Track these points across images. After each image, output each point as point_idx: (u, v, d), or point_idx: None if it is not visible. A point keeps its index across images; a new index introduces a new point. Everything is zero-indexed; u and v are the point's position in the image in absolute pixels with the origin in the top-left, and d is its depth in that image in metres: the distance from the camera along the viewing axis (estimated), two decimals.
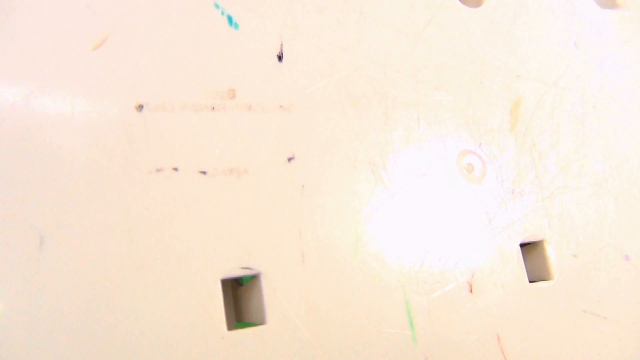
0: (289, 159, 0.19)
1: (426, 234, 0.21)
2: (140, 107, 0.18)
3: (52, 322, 0.15)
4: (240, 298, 0.20)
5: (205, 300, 0.17)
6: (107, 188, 0.17)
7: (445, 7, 0.24)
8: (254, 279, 0.19)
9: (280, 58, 0.20)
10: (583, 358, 0.22)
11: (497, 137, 0.23)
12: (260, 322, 0.18)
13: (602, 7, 0.28)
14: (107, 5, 0.18)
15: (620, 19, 0.28)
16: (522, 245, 0.23)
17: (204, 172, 0.18)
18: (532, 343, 0.21)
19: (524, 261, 0.22)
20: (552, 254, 0.23)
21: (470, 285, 0.21)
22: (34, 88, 0.17)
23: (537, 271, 0.23)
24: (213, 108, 0.19)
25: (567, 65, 0.26)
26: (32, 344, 0.15)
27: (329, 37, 0.21)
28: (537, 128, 0.24)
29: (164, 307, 0.17)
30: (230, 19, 0.20)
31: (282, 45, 0.21)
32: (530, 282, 0.22)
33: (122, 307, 0.16)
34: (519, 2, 0.26)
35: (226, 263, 0.18)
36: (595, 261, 0.24)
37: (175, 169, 0.18)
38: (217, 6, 0.20)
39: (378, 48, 0.22)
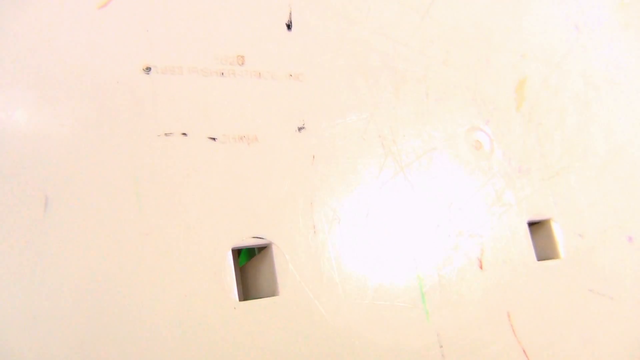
0: (299, 129, 0.19)
1: (436, 208, 0.20)
2: (147, 70, 0.17)
3: (56, 287, 0.14)
4: (245, 276, 0.20)
5: (217, 270, 0.16)
6: (114, 150, 0.16)
7: None
8: (263, 251, 0.18)
9: (289, 27, 0.20)
10: (590, 336, 0.22)
11: (504, 115, 0.23)
12: (270, 294, 0.17)
13: None
14: None
15: (619, 4, 0.28)
16: (530, 225, 0.22)
17: (214, 139, 0.17)
18: (541, 321, 0.21)
19: (532, 239, 0.22)
20: (558, 233, 0.23)
21: (481, 262, 0.21)
22: (39, 48, 0.16)
23: (544, 250, 0.23)
24: (222, 73, 0.18)
25: (569, 47, 0.26)
26: (36, 307, 0.14)
27: (338, 8, 0.21)
28: (542, 108, 0.24)
29: (173, 275, 0.16)
30: None
31: (290, 14, 0.20)
32: (538, 260, 0.22)
33: (130, 274, 0.15)
34: None
35: (236, 232, 0.17)
36: (600, 241, 0.24)
37: (184, 134, 0.17)
38: None
39: (386, 21, 0.22)
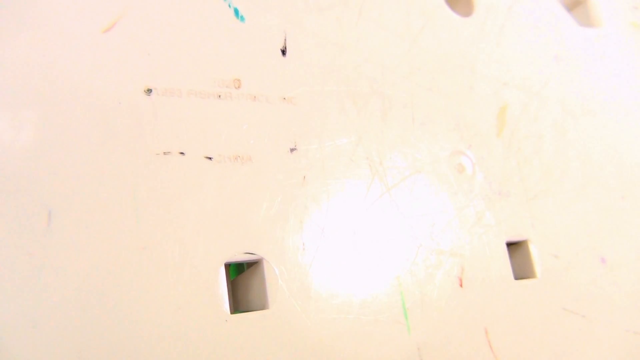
0: (291, 150, 0.20)
1: (420, 228, 0.21)
2: (149, 91, 0.18)
3: (58, 297, 0.15)
4: (235, 289, 0.20)
5: (210, 283, 0.17)
6: (115, 167, 0.17)
7: (438, 14, 0.25)
8: (254, 266, 0.19)
9: (284, 52, 0.21)
10: (563, 353, 0.23)
11: (485, 140, 0.24)
12: (260, 308, 0.18)
13: (581, 25, 0.30)
14: None
15: (597, 37, 0.30)
16: (508, 245, 0.24)
17: (210, 158, 0.18)
18: (517, 337, 0.22)
19: (510, 259, 0.23)
20: (535, 253, 0.24)
21: (461, 280, 0.22)
22: (44, 68, 0.17)
23: (521, 269, 0.24)
24: (219, 96, 0.19)
25: (549, 76, 0.27)
26: (37, 318, 0.15)
27: (330, 35, 0.22)
28: (521, 134, 0.25)
29: (168, 287, 0.17)
30: (236, 11, 0.20)
31: (285, 40, 0.21)
32: (515, 279, 0.23)
33: (126, 285, 0.16)
34: (506, 15, 0.27)
35: (229, 247, 0.18)
36: (574, 262, 0.25)
37: (182, 153, 0.18)
38: None
39: (376, 49, 0.23)
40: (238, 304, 0.20)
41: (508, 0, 0.28)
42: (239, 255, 0.18)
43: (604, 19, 0.31)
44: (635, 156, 0.28)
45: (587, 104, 0.28)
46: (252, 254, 0.18)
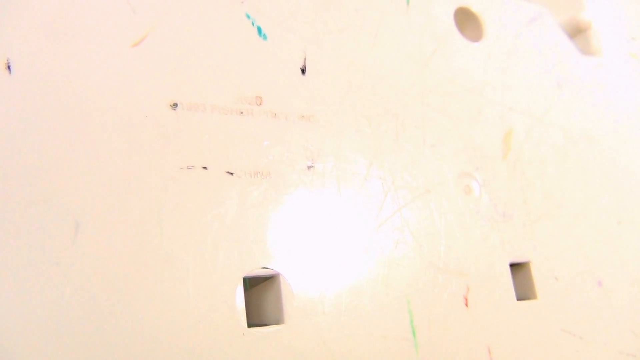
0: (309, 167, 0.20)
1: (428, 247, 0.22)
2: (174, 106, 0.18)
3: (82, 307, 0.15)
4: (249, 303, 0.21)
5: (228, 297, 0.18)
6: (140, 180, 0.17)
7: (449, 39, 0.26)
8: (270, 280, 0.19)
9: (303, 71, 0.21)
10: None
11: (491, 163, 0.25)
12: (275, 322, 0.19)
13: (583, 54, 0.31)
14: (146, 5, 0.19)
15: (598, 65, 0.31)
16: (511, 265, 0.24)
17: (231, 173, 0.19)
18: (518, 357, 0.23)
19: (513, 280, 0.24)
20: (536, 275, 0.25)
21: (466, 299, 0.22)
22: (75, 81, 0.17)
23: (523, 290, 0.24)
24: (241, 112, 0.20)
25: (552, 103, 0.28)
26: (62, 327, 0.15)
27: (347, 56, 0.23)
28: (525, 158, 0.26)
29: (188, 300, 0.17)
30: (259, 29, 0.21)
31: (305, 59, 0.22)
32: (517, 300, 0.24)
33: (149, 297, 0.16)
34: (512, 42, 0.28)
35: (247, 262, 0.18)
36: (573, 284, 0.26)
37: (205, 168, 0.18)
38: (248, 16, 0.21)
39: (390, 70, 0.24)
40: (250, 317, 0.20)
41: (515, 27, 0.28)
42: (256, 270, 0.18)
43: (604, 49, 0.32)
44: (631, 183, 0.29)
45: (587, 130, 0.29)
46: (268, 268, 0.19)
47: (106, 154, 0.17)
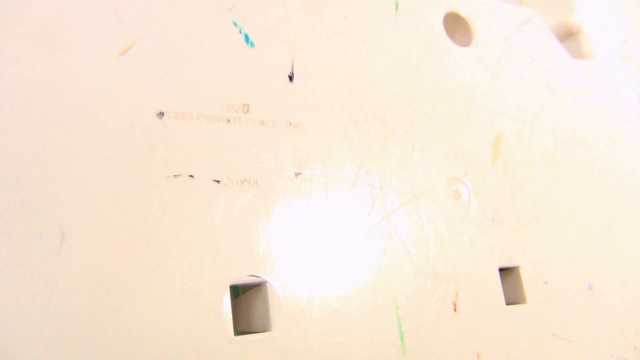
0: (296, 174, 0.20)
1: (417, 253, 0.22)
2: (161, 114, 0.18)
3: (68, 317, 0.15)
4: (236, 310, 0.21)
5: (215, 305, 0.18)
6: (127, 189, 0.17)
7: (439, 44, 0.26)
8: (257, 288, 0.19)
9: (291, 78, 0.21)
10: None
11: (481, 167, 0.25)
12: (262, 329, 0.19)
13: (573, 57, 0.31)
14: (133, 14, 0.19)
15: (588, 68, 0.31)
16: (501, 270, 0.24)
17: (218, 181, 0.19)
18: None
19: (502, 285, 0.24)
20: (526, 279, 0.25)
21: (455, 305, 0.22)
22: (60, 89, 0.17)
23: (512, 295, 0.25)
24: (228, 120, 0.20)
25: (542, 106, 0.28)
26: (48, 338, 0.15)
27: (335, 62, 0.23)
28: (515, 162, 0.26)
29: (175, 309, 0.17)
30: (247, 37, 0.21)
31: (293, 66, 0.22)
32: (506, 304, 0.24)
33: (136, 306, 0.16)
34: (502, 46, 0.28)
35: (235, 270, 0.18)
36: (562, 289, 0.26)
37: (191, 176, 0.18)
38: (235, 24, 0.21)
39: (379, 76, 0.24)
40: (239, 324, 0.20)
41: (505, 31, 0.29)
42: (243, 278, 0.18)
43: (595, 52, 0.32)
44: (621, 186, 0.29)
45: (577, 134, 0.29)
46: (256, 276, 0.19)
47: (92, 162, 0.17)
